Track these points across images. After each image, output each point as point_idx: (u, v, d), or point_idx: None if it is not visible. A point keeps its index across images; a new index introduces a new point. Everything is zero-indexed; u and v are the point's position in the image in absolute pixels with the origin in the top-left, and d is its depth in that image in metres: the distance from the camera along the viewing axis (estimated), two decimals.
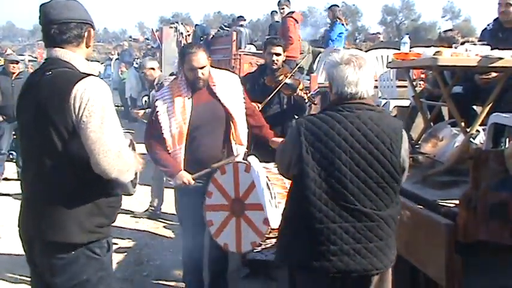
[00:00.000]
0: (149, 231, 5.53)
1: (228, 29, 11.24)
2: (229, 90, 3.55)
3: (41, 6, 2.13)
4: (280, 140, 3.45)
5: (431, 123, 4.49)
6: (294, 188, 2.40)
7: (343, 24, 9.32)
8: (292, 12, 8.58)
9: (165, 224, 5.74)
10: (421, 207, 2.89)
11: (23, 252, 2.21)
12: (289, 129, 4.32)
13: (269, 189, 3.05)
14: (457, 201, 2.66)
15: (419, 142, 4.35)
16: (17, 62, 7.54)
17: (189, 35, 12.72)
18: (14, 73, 7.30)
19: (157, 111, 3.41)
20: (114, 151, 2.01)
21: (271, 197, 3.03)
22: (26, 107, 2.11)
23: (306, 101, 4.40)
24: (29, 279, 2.31)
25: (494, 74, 4.20)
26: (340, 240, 2.23)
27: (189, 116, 3.38)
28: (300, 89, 4.33)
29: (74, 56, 2.13)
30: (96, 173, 2.02)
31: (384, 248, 2.30)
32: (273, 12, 11.23)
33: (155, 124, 3.42)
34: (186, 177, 3.36)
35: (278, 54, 4.38)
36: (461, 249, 2.52)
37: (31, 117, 2.07)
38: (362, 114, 2.29)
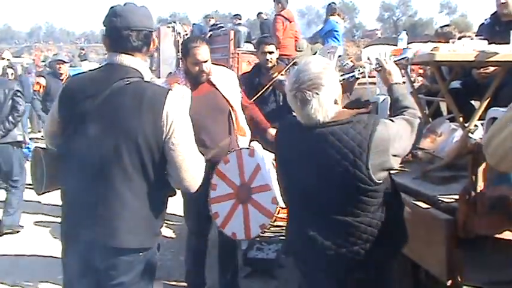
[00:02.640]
0: None
1: (222, 27, 11.28)
2: (227, 83, 3.62)
3: (116, 7, 2.15)
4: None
5: (430, 119, 4.50)
6: None
7: (337, 22, 9.25)
8: (282, 10, 8.62)
9: (166, 224, 5.73)
10: (421, 202, 2.89)
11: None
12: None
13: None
14: (456, 196, 2.66)
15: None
16: (64, 62, 7.09)
17: (186, 35, 12.70)
18: (62, 74, 6.91)
19: None
20: (200, 167, 2.19)
21: None
22: (100, 111, 2.07)
23: None
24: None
25: (492, 69, 4.20)
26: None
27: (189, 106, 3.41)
28: None
29: (142, 64, 2.19)
30: (167, 181, 2.14)
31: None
32: (259, 14, 11.43)
33: None
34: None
35: (271, 53, 4.43)
36: (462, 245, 2.52)
37: (110, 123, 2.06)
38: (324, 130, 2.08)
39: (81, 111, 2.10)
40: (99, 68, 2.32)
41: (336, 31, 9.10)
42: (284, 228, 2.87)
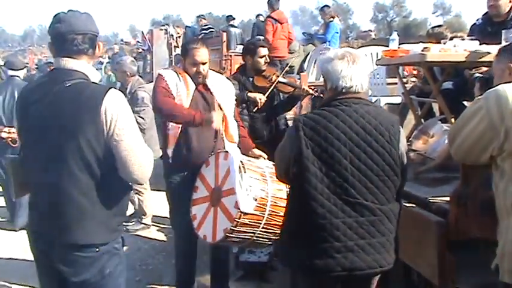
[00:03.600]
0: (141, 235, 5.47)
1: (212, 29, 11.26)
2: (223, 91, 3.63)
3: (59, 14, 2.21)
4: (259, 152, 3.57)
5: (422, 120, 4.48)
6: (295, 186, 2.36)
7: (337, 24, 9.36)
8: (272, 11, 8.63)
9: (157, 227, 5.70)
10: (412, 205, 2.86)
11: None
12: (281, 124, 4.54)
13: (240, 172, 3.03)
14: (448, 198, 2.64)
15: (410, 139, 4.33)
16: None
17: (179, 37, 12.69)
18: None
19: (166, 81, 3.42)
20: (148, 161, 2.21)
21: (242, 179, 3.00)
22: (43, 116, 2.14)
23: (315, 94, 4.57)
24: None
25: (484, 69, 4.19)
26: (343, 236, 2.21)
27: (191, 99, 3.44)
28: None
29: (87, 66, 2.22)
30: (118, 176, 2.17)
31: (386, 245, 2.28)
32: (257, 16, 11.39)
33: (165, 90, 3.40)
34: (216, 118, 3.28)
35: (266, 55, 4.44)
36: (453, 247, 2.50)
37: (56, 128, 2.11)
38: (359, 108, 2.29)
39: (30, 118, 2.21)
40: (46, 74, 2.41)
41: (337, 33, 9.22)
42: (277, 232, 2.84)
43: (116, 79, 15.58)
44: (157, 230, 5.63)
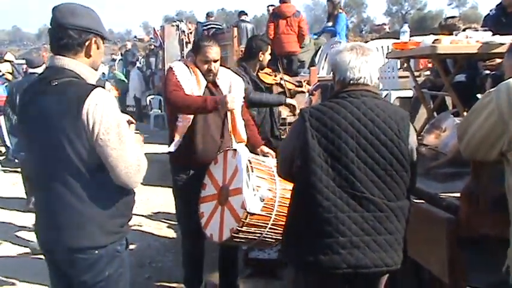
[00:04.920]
0: (152, 233, 5.47)
1: (219, 27, 11.24)
2: (232, 88, 3.60)
3: (57, 6, 2.11)
4: (268, 149, 3.58)
5: (435, 114, 4.39)
6: (299, 179, 2.29)
7: (346, 17, 9.26)
8: (276, 7, 8.59)
9: (168, 224, 5.68)
10: (422, 201, 2.79)
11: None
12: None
13: (248, 171, 2.98)
14: (458, 194, 2.56)
15: (422, 133, 4.24)
16: None
17: (191, 33, 12.65)
18: None
19: (177, 75, 3.39)
20: (135, 166, 2.08)
21: (249, 178, 2.95)
22: (33, 117, 2.08)
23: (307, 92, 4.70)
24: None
25: (498, 61, 4.08)
26: (349, 231, 2.15)
27: (202, 92, 3.42)
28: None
29: (81, 65, 2.11)
30: (109, 177, 2.08)
31: (393, 244, 2.21)
32: (269, 6, 11.29)
33: (176, 83, 3.37)
34: (230, 100, 3.22)
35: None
36: (464, 244, 2.42)
37: (42, 128, 2.04)
38: (368, 100, 2.23)
39: (23, 119, 2.17)
40: (41, 72, 2.30)
41: (346, 25, 9.12)
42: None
43: (122, 77, 15.69)
44: (168, 227, 5.62)
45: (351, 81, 2.26)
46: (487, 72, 4.01)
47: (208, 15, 13.40)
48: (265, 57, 4.45)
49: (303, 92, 4.60)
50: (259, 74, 4.48)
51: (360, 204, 2.16)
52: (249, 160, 3.05)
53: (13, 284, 4.18)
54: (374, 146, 2.17)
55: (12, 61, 9.41)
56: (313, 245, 2.20)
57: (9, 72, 9.31)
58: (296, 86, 4.65)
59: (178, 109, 3.39)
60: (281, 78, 4.59)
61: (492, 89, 2.05)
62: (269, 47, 4.49)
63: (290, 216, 2.41)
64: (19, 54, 28.30)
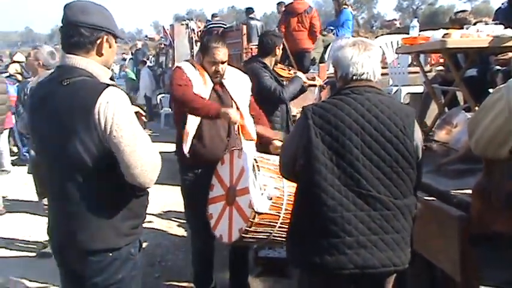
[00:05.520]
0: (162, 231, 5.47)
1: (228, 26, 11.25)
2: (239, 87, 3.57)
3: (69, 3, 2.07)
4: (280, 144, 3.46)
5: (446, 109, 4.33)
6: (303, 179, 2.25)
7: (350, 12, 9.15)
8: (288, 4, 8.54)
9: (178, 223, 5.68)
10: (433, 198, 2.74)
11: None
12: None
13: (254, 170, 2.94)
14: (470, 191, 2.51)
15: (433, 129, 4.19)
16: None
17: (200, 31, 12.64)
18: None
19: (186, 74, 3.36)
20: (151, 163, 2.02)
21: (255, 178, 2.92)
22: (45, 118, 2.04)
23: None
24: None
25: (511, 54, 4.02)
26: (355, 230, 2.10)
27: (208, 95, 3.38)
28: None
29: (93, 64, 2.06)
30: (123, 179, 2.01)
31: (400, 242, 2.16)
32: (278, 4, 11.29)
33: (184, 79, 3.33)
34: (233, 112, 3.22)
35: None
36: (476, 242, 2.37)
37: (53, 129, 2.00)
38: (372, 96, 2.19)
39: (34, 120, 2.13)
40: (52, 72, 2.24)
41: (350, 21, 9.00)
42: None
43: (132, 76, 15.75)
44: (178, 226, 5.61)
45: (354, 77, 2.23)
46: (498, 67, 3.94)
47: (213, 16, 13.47)
48: (280, 52, 4.46)
49: (315, 85, 4.58)
50: (275, 68, 4.47)
51: (366, 203, 2.12)
52: (254, 159, 3.02)
53: (23, 283, 4.19)
54: (379, 143, 2.13)
55: (22, 61, 9.44)
56: (318, 245, 2.16)
57: (18, 73, 9.37)
58: (309, 79, 4.65)
59: (183, 104, 3.32)
60: (295, 72, 4.58)
61: (502, 85, 2.00)
62: (282, 41, 4.50)
63: (294, 215, 2.38)
64: (24, 55, 28.50)
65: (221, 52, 3.39)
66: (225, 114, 3.19)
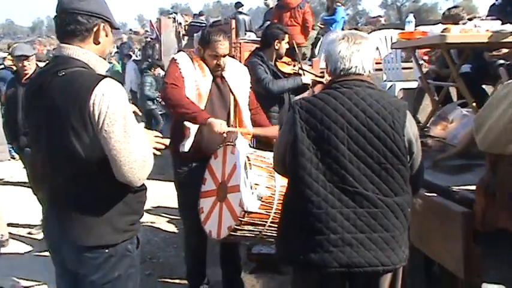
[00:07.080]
0: (152, 227, 5.38)
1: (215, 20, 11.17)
2: (238, 79, 3.53)
3: None
4: None
5: (440, 105, 4.32)
6: (291, 175, 2.20)
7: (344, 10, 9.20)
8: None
9: (167, 219, 5.59)
10: (434, 194, 2.71)
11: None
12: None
13: (246, 168, 2.89)
14: (470, 187, 2.49)
15: (427, 125, 4.18)
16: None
17: (187, 25, 12.54)
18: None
19: (180, 69, 3.30)
20: (140, 161, 1.94)
21: (247, 176, 2.86)
22: (40, 110, 2.00)
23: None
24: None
25: (505, 50, 4.02)
26: (340, 227, 2.04)
27: (209, 88, 3.34)
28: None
29: (84, 52, 2.01)
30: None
31: (389, 241, 2.08)
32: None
33: (177, 78, 3.26)
34: (218, 124, 3.14)
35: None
36: (480, 239, 2.34)
37: (48, 121, 1.96)
38: (360, 90, 2.13)
39: (30, 111, 2.09)
40: (48, 63, 2.21)
41: (343, 18, 9.06)
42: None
43: (119, 68, 15.60)
44: (168, 222, 5.53)
45: (342, 72, 2.18)
46: (501, 62, 3.93)
47: (199, 14, 13.44)
48: (282, 45, 4.41)
49: (322, 83, 4.47)
50: (276, 63, 4.41)
51: (352, 200, 2.05)
52: (247, 157, 2.96)
53: (18, 282, 4.09)
54: (366, 138, 2.06)
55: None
56: (303, 242, 2.10)
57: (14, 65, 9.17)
58: (316, 75, 4.56)
59: (170, 106, 3.26)
60: (300, 68, 4.49)
61: (509, 81, 1.98)
62: (286, 35, 4.44)
63: (283, 212, 2.32)
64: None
65: (224, 46, 3.35)
66: (210, 125, 3.13)
